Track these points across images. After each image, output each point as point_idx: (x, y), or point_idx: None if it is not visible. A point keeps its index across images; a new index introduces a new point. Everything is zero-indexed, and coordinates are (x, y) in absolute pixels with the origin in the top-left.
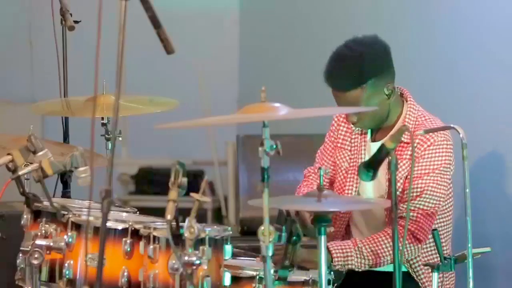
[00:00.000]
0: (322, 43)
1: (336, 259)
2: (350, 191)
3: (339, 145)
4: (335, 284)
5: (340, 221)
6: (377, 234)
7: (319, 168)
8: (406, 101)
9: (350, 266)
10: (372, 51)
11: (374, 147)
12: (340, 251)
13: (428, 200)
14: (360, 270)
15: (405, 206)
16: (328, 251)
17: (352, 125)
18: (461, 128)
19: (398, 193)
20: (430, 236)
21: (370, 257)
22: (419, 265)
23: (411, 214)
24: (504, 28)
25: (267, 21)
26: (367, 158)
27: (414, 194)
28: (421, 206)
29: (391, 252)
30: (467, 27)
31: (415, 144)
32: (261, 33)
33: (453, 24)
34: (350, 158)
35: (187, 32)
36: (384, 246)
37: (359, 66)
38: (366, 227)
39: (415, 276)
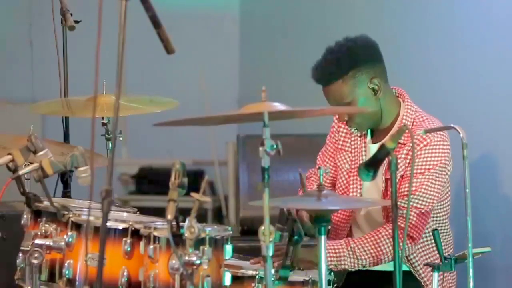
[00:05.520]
0: (322, 43)
1: (329, 259)
2: (354, 193)
3: (339, 146)
4: (335, 284)
5: (342, 227)
6: (371, 233)
7: (319, 168)
8: (403, 102)
9: (343, 266)
10: (353, 45)
11: (374, 148)
12: (333, 251)
13: (421, 198)
14: (353, 270)
15: (401, 204)
16: None
17: (347, 125)
18: (461, 128)
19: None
20: (430, 236)
21: (363, 257)
22: (419, 265)
23: (403, 212)
24: (505, 27)
25: (267, 21)
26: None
27: (407, 192)
28: (414, 204)
29: (387, 250)
30: (467, 27)
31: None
32: (261, 33)
33: (453, 23)
34: (351, 160)
35: (187, 32)
36: (378, 245)
37: (337, 58)
38: (369, 229)
39: (416, 275)
